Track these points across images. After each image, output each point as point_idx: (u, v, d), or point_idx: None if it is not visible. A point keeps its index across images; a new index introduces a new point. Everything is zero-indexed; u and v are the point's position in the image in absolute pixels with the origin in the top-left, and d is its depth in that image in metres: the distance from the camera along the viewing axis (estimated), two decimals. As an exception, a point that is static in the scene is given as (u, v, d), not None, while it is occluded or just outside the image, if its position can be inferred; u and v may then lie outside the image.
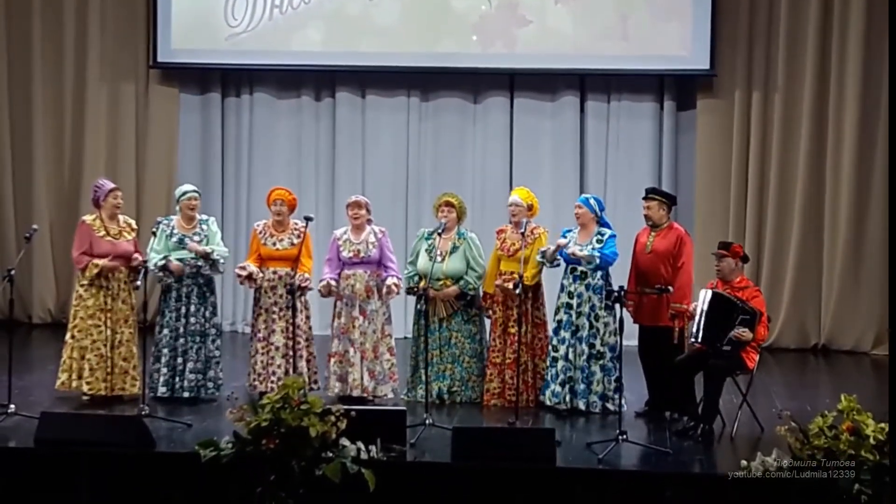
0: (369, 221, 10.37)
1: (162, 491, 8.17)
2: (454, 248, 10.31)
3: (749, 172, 13.48)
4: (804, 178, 13.33)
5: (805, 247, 13.39)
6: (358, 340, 10.14)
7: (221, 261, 10.31)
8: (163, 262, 10.05)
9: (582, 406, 9.89)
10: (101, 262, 10.02)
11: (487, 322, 10.49)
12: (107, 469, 8.22)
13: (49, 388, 10.22)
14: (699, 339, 9.29)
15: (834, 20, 13.20)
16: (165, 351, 10.17)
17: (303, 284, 10.05)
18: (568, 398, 9.92)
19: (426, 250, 10.30)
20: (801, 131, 13.33)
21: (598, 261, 9.85)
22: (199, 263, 10.18)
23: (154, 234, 10.09)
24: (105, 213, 10.21)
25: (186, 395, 10.13)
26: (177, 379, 10.16)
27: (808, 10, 13.23)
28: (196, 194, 10.39)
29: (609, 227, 10.11)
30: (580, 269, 9.97)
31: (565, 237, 10.10)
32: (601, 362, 9.91)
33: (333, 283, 10.18)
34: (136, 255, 10.14)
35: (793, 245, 13.39)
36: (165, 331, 10.19)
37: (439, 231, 10.16)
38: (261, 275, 10.25)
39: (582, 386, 9.92)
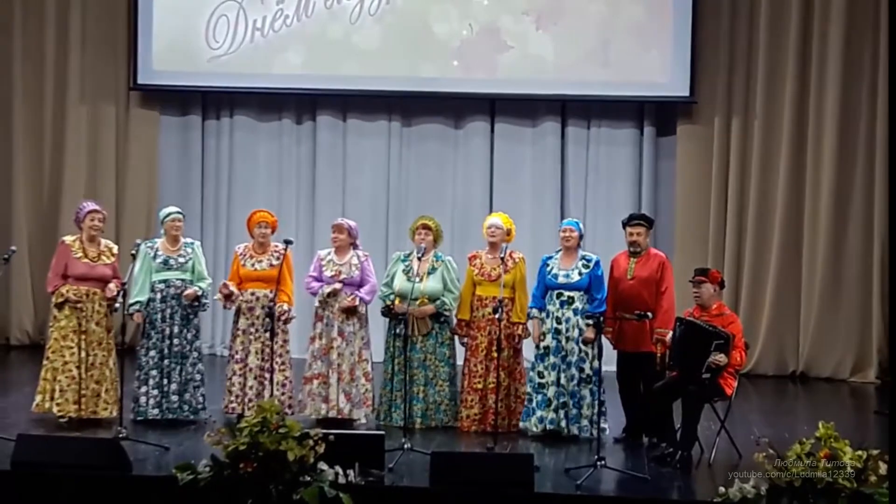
0: (355, 246, 10.40)
1: (138, 514, 8.14)
2: (432, 270, 10.32)
3: (728, 199, 13.54)
4: (783, 205, 13.38)
5: (784, 273, 13.44)
6: (336, 362, 10.14)
7: (206, 300, 10.35)
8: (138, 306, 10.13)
9: (575, 431, 9.89)
10: (66, 292, 10.00)
11: (460, 348, 10.49)
12: (84, 492, 8.15)
13: (26, 411, 10.16)
14: (672, 367, 9.33)
15: (813, 48, 13.29)
16: (154, 373, 10.13)
17: (283, 317, 10.10)
18: (563, 423, 9.92)
19: (403, 271, 10.29)
20: (780, 158, 13.40)
21: (600, 318, 9.80)
22: (185, 277, 10.20)
23: (133, 256, 10.04)
24: (84, 235, 10.18)
25: (170, 416, 10.11)
26: (163, 401, 10.13)
27: (787, 38, 13.32)
28: (180, 216, 10.38)
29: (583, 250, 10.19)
30: (566, 294, 9.98)
31: (547, 264, 10.12)
32: (590, 387, 9.92)
33: (339, 285, 10.21)
34: (112, 282, 10.09)
35: (772, 271, 13.44)
36: (152, 352, 10.15)
37: (419, 255, 10.16)
38: (239, 295, 10.25)
39: (574, 411, 9.92)
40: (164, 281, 10.19)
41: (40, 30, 14.09)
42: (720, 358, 9.09)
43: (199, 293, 10.20)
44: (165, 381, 10.14)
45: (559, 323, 9.98)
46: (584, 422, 9.91)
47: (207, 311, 12.87)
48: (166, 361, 10.15)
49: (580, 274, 9.99)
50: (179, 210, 10.50)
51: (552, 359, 9.99)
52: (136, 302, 10.11)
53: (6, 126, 14.12)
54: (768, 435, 9.45)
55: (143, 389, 10.14)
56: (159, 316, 10.17)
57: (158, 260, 10.20)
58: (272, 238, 10.46)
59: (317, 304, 10.31)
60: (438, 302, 10.27)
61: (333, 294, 10.20)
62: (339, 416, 10.06)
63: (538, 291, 10.13)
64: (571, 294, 9.99)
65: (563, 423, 9.92)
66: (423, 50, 13.75)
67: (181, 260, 10.24)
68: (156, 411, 10.10)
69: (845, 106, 13.23)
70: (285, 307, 10.17)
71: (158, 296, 10.18)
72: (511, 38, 13.62)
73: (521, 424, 10.10)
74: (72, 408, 9.95)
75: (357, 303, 10.22)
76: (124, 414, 9.76)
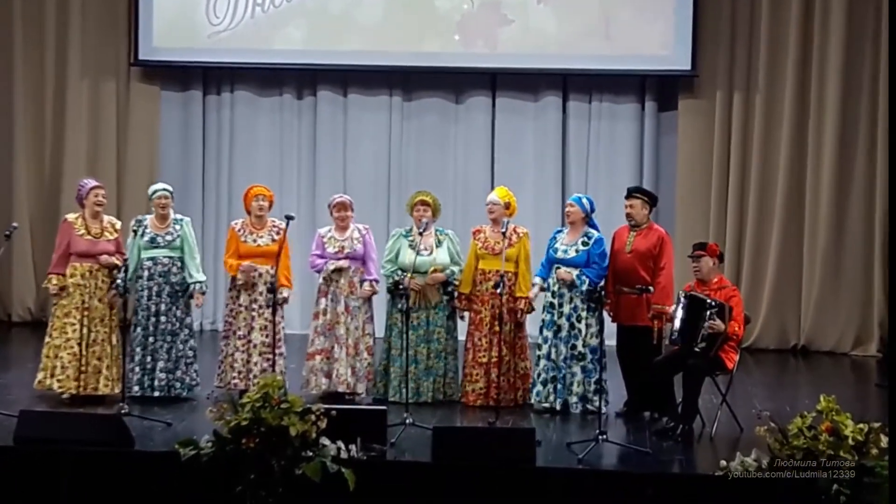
0: (352, 220, 10.40)
1: (141, 490, 8.14)
2: (439, 242, 10.33)
3: (730, 173, 13.52)
4: (785, 179, 13.36)
5: (785, 247, 13.43)
6: (343, 337, 10.14)
7: (205, 289, 10.35)
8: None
9: (558, 406, 9.90)
10: (56, 282, 9.99)
11: (460, 322, 10.50)
12: (86, 468, 8.18)
13: (28, 387, 10.17)
14: (675, 340, 9.32)
15: (815, 22, 13.24)
16: (138, 350, 10.13)
17: (284, 305, 10.13)
18: (552, 397, 9.94)
19: (409, 246, 10.25)
20: (781, 132, 13.37)
21: (587, 285, 9.84)
22: (173, 255, 10.19)
23: (134, 232, 10.06)
24: (87, 212, 10.16)
25: (157, 394, 10.07)
26: (146, 378, 10.11)
27: (789, 12, 13.27)
28: (166, 193, 10.29)
29: (596, 229, 10.14)
30: (564, 269, 9.99)
31: (555, 238, 10.13)
32: (582, 363, 9.92)
33: (344, 262, 10.21)
34: (115, 255, 10.08)
35: (773, 245, 13.43)
36: (139, 329, 10.15)
37: (421, 231, 10.15)
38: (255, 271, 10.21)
39: (559, 385, 9.94)
40: (152, 258, 10.14)
41: (41, 6, 14.05)
42: (717, 324, 9.06)
43: (200, 290, 10.21)
44: (149, 358, 10.13)
45: (555, 297, 10.00)
46: (574, 398, 9.93)
47: (210, 287, 12.95)
48: (151, 339, 10.13)
49: (577, 251, 9.99)
50: (166, 187, 10.40)
51: (546, 332, 10.02)
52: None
53: (7, 102, 14.08)
54: (770, 408, 9.51)
55: (130, 366, 10.15)
56: (146, 294, 10.15)
57: (146, 238, 10.16)
58: (268, 214, 10.40)
59: (321, 281, 10.29)
60: (448, 271, 10.27)
61: (338, 271, 10.20)
62: (347, 391, 10.08)
63: (545, 262, 10.17)
64: (569, 269, 9.99)
65: (552, 398, 9.94)
66: (423, 24, 13.70)
67: (168, 238, 10.18)
68: (137, 388, 10.08)
69: (847, 79, 13.18)
70: (286, 293, 10.17)
71: (146, 273, 10.14)
72: (512, 11, 13.58)
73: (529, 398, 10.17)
74: (73, 384, 9.94)
75: (377, 289, 10.27)
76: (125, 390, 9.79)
